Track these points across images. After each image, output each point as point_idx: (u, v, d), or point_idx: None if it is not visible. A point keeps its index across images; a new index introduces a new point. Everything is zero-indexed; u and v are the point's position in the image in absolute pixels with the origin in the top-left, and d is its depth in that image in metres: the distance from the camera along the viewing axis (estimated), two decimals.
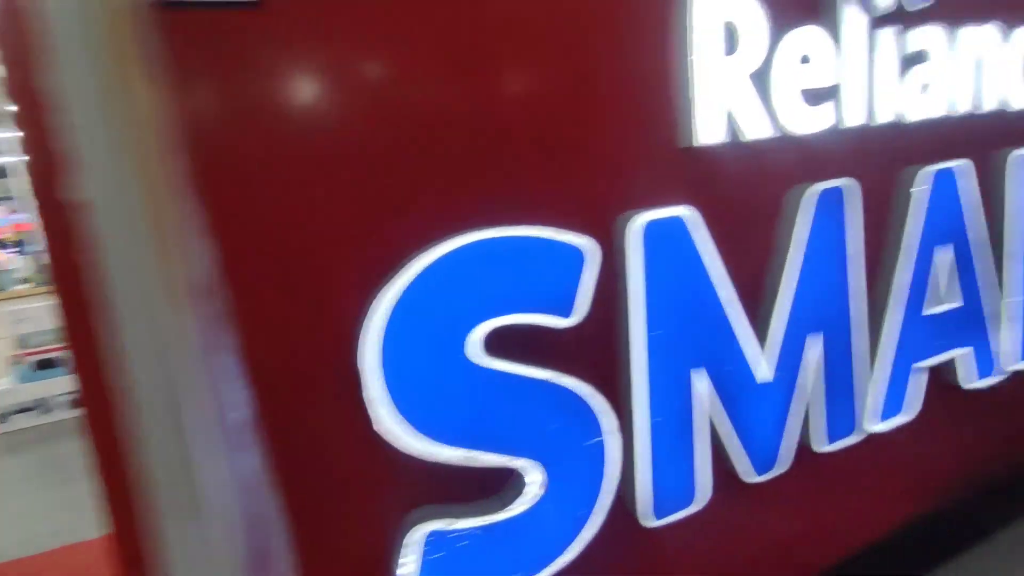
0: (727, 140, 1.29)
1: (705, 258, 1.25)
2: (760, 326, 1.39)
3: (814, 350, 1.44)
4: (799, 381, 1.43)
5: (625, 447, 1.25)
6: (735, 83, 1.26)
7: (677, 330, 1.25)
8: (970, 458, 1.92)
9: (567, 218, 1.18)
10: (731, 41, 1.26)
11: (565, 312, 1.13)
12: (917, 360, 1.65)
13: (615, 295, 1.23)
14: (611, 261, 1.22)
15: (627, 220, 1.19)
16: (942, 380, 1.77)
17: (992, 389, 1.82)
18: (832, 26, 1.38)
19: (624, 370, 1.24)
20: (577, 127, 1.19)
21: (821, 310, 1.45)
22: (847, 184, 1.43)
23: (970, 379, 1.78)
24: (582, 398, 1.16)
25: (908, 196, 1.59)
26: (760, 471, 1.41)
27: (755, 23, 1.26)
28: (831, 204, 1.42)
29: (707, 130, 1.25)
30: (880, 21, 1.43)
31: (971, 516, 1.89)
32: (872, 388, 1.58)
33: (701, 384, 1.29)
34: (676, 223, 1.23)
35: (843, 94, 1.41)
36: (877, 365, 1.58)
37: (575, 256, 1.12)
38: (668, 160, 1.28)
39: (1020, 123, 1.78)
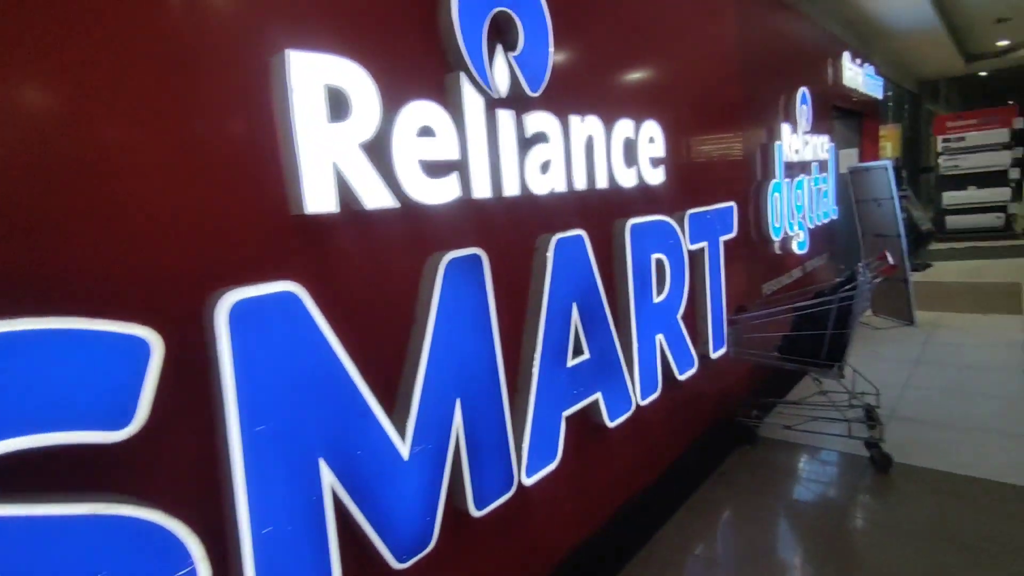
0: (345, 209, 1.22)
1: (317, 337, 1.14)
2: (399, 401, 1.33)
3: (459, 417, 1.44)
4: (446, 453, 1.41)
5: (230, 571, 1.04)
6: (345, 150, 1.21)
7: (287, 422, 1.09)
8: (617, 482, 2.18)
9: (134, 302, 0.95)
10: (343, 108, 1.21)
11: (118, 423, 0.89)
12: (563, 409, 1.81)
13: (206, 390, 1.03)
14: (201, 350, 1.02)
15: (215, 300, 1.02)
16: (590, 422, 1.99)
17: (626, 423, 2.10)
18: (452, 104, 1.45)
19: (224, 478, 1.04)
20: (153, 192, 0.99)
21: (463, 376, 1.45)
22: (479, 252, 1.49)
23: (612, 418, 2.03)
24: (152, 526, 0.92)
25: (543, 261, 1.75)
26: (408, 556, 1.32)
27: (363, 91, 1.23)
28: (465, 271, 1.46)
29: (318, 198, 1.17)
30: (497, 103, 1.56)
31: (622, 532, 2.13)
32: (523, 442, 1.65)
33: (326, 477, 1.16)
34: (278, 300, 1.09)
35: (468, 168, 1.48)
36: (527, 420, 1.66)
37: (128, 350, 0.89)
38: (275, 230, 1.15)
39: (628, 198, 2.14)
